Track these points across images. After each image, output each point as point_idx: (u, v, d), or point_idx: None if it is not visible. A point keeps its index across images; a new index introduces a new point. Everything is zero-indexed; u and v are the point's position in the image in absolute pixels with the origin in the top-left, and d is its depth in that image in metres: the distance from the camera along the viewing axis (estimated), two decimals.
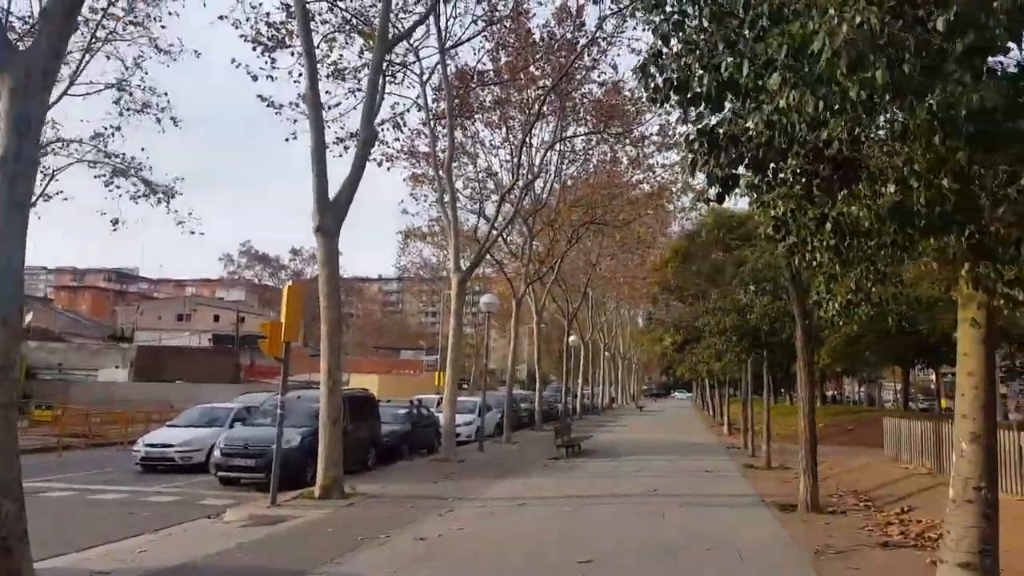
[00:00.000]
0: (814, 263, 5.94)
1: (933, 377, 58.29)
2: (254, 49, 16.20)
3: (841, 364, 30.89)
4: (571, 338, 39.77)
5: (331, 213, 12.52)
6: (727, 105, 4.81)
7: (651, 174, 24.36)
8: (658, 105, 5.04)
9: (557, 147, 23.87)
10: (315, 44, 13.57)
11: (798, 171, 5.16)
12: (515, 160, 18.74)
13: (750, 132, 4.65)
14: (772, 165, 5.04)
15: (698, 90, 4.67)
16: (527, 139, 20.09)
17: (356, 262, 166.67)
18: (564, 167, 25.09)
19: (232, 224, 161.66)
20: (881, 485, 12.33)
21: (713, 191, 5.00)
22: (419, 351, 70.76)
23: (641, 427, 34.99)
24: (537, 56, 19.19)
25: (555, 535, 9.15)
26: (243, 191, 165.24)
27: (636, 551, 8.28)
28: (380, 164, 21.60)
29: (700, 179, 5.80)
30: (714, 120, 4.91)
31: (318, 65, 14.05)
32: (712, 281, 29.44)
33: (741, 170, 5.02)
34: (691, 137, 4.96)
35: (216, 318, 71.84)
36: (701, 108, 4.78)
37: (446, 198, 18.60)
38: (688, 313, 37.36)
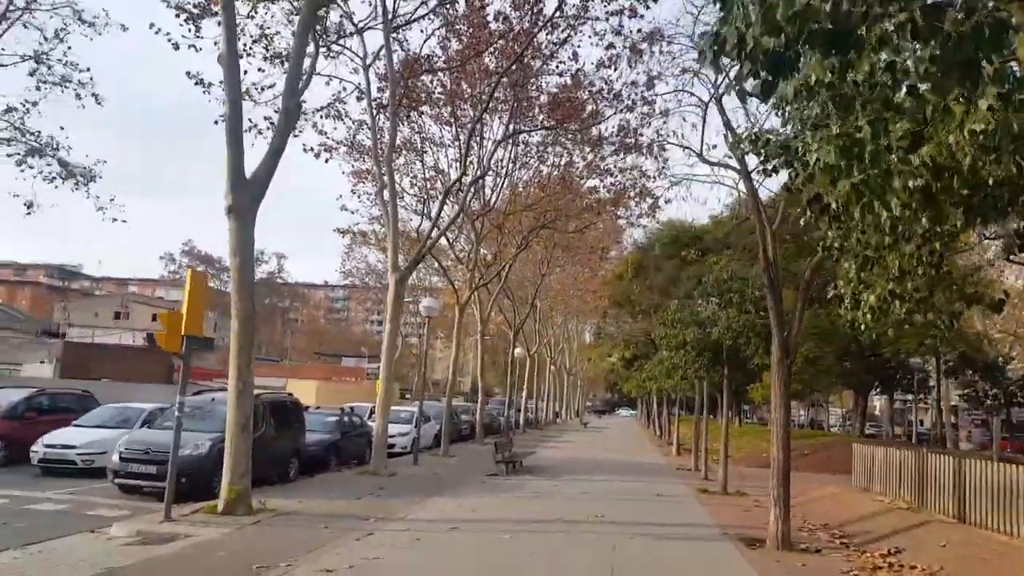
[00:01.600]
0: (854, 236, 4.57)
1: (876, 403, 58.92)
2: (177, 16, 14.52)
3: (799, 385, 30.30)
4: (516, 350, 38.27)
5: (247, 191, 10.86)
6: None
7: (607, 178, 23.03)
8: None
9: (508, 146, 22.48)
10: None
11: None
12: (463, 152, 17.19)
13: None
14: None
15: None
16: (476, 130, 18.52)
17: (301, 267, 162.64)
18: (516, 169, 23.69)
19: (180, 224, 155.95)
20: (856, 519, 11.11)
21: (751, 84, 3.37)
22: (361, 358, 68.20)
23: (585, 444, 33.63)
24: (492, 44, 17.76)
25: (488, 570, 7.58)
26: (191, 192, 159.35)
27: None
28: (318, 155, 19.92)
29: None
30: None
31: (240, 27, 12.44)
32: (666, 294, 28.44)
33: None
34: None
35: (154, 317, 68.40)
36: None
37: (386, 194, 16.95)
38: (640, 328, 36.46)
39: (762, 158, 4.75)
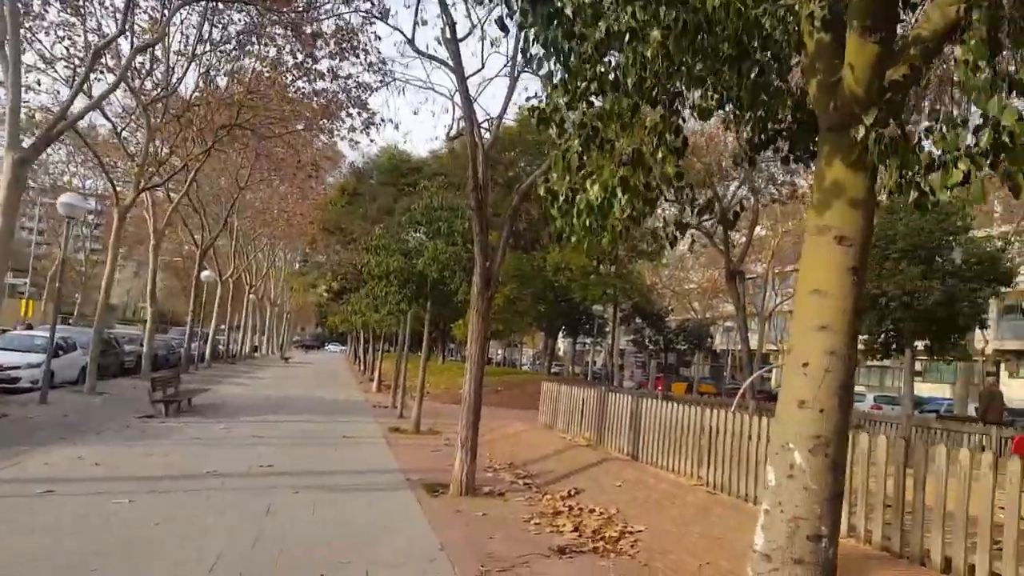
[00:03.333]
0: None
1: (561, 345, 64.57)
2: None
3: (499, 325, 31.17)
4: (204, 272, 33.80)
5: None
6: None
7: (319, 81, 20.24)
8: None
9: (199, 22, 18.54)
10: None
11: None
12: (126, 5, 13.21)
13: None
14: None
15: None
16: None
17: None
18: (207, 51, 19.66)
19: None
20: (540, 458, 10.78)
21: None
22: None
23: (281, 380, 31.08)
24: None
25: (72, 554, 5.34)
26: None
27: None
28: None
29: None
30: None
31: None
32: (380, 225, 26.90)
33: None
34: None
35: None
36: None
37: (9, 34, 12.48)
38: (350, 259, 34.50)
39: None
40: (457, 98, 10.15)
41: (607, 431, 10.79)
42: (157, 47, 19.19)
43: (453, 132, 10.05)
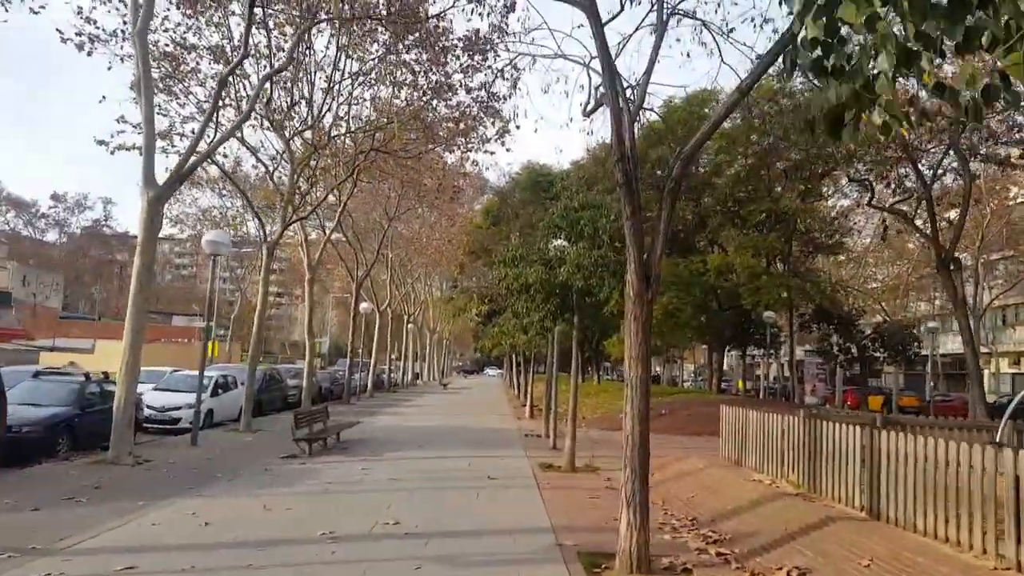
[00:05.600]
0: None
1: (725, 359, 59.84)
2: None
3: (657, 340, 28.55)
4: (363, 305, 34.15)
5: None
6: None
7: (453, 97, 19.19)
8: None
9: (331, 48, 18.04)
10: None
11: None
12: (245, 28, 12.57)
13: None
14: None
15: None
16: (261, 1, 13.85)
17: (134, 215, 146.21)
18: (343, 79, 19.22)
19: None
20: (733, 511, 8.31)
21: None
22: (195, 317, 61.00)
23: (437, 408, 30.35)
24: None
25: None
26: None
27: None
28: (81, 47, 14.81)
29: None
30: None
31: None
32: (515, 234, 25.45)
33: None
34: None
35: None
36: None
37: (139, 73, 12.25)
38: (495, 284, 33.47)
39: None
40: (594, 64, 8.23)
41: (824, 473, 8.08)
42: (299, 83, 19.17)
43: (591, 105, 8.01)
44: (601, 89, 7.96)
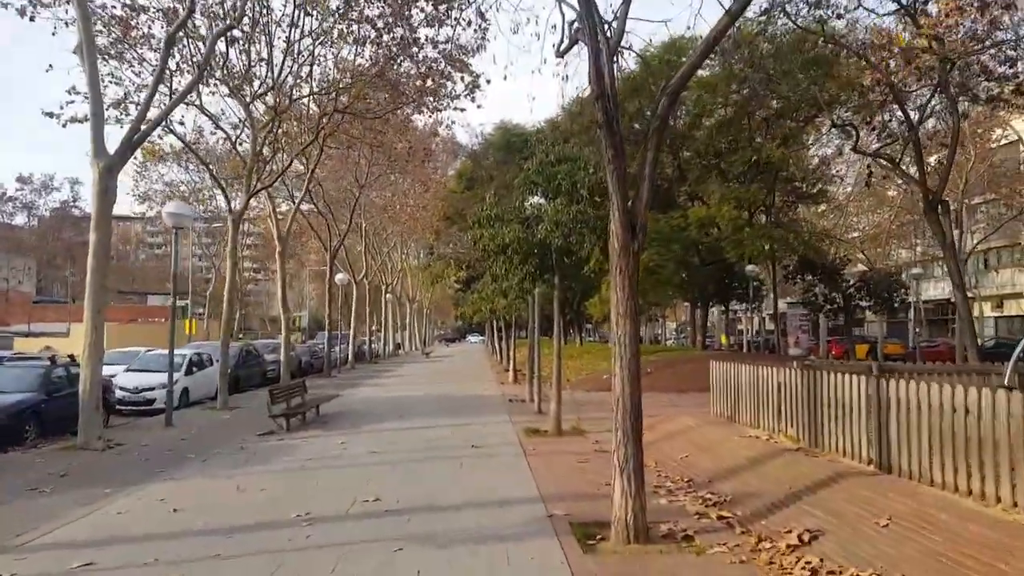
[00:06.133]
0: None
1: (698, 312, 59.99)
2: None
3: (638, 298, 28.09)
4: (338, 276, 33.37)
5: None
6: None
7: (419, 52, 18.23)
8: None
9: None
10: None
11: None
12: None
13: None
14: None
15: None
16: None
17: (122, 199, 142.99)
18: (298, 38, 18.12)
19: None
20: (731, 470, 7.90)
21: None
22: (169, 295, 59.66)
23: (418, 377, 29.90)
24: None
25: None
26: None
27: None
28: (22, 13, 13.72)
29: None
30: None
31: None
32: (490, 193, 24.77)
33: None
34: None
35: None
36: None
37: (81, 34, 11.31)
38: (471, 247, 32.80)
39: None
40: None
41: (826, 426, 7.67)
42: (257, 44, 18.10)
43: (565, 44, 7.36)
44: (576, 24, 7.34)
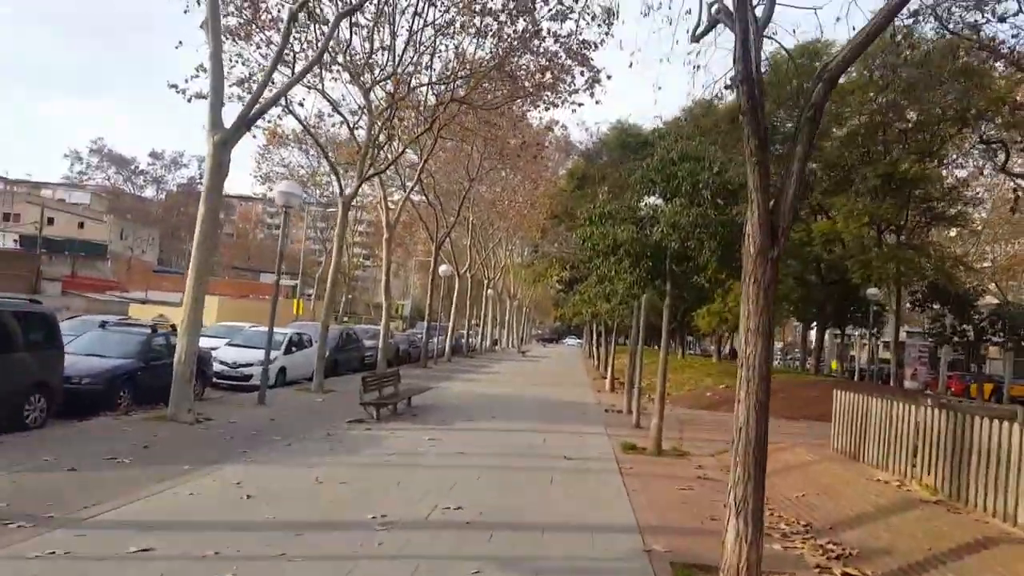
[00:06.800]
0: None
1: (813, 336, 56.52)
2: None
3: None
4: (442, 267, 33.49)
5: None
6: None
7: (541, 44, 17.70)
8: None
9: None
10: None
11: None
12: None
13: None
14: None
15: None
16: None
17: (239, 175, 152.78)
18: (422, 27, 18.00)
19: (89, 122, 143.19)
20: (856, 519, 6.81)
21: None
22: (286, 275, 62.32)
23: (514, 376, 29.49)
24: None
25: None
26: (104, 87, 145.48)
27: None
28: None
29: None
30: None
31: None
32: (604, 189, 23.93)
33: None
34: None
35: (51, 221, 61.22)
36: None
37: (207, 9, 11.50)
38: (580, 246, 31.99)
39: None
40: None
41: (974, 480, 6.48)
42: (380, 32, 18.19)
43: (703, 27, 6.53)
44: (716, 6, 6.49)
